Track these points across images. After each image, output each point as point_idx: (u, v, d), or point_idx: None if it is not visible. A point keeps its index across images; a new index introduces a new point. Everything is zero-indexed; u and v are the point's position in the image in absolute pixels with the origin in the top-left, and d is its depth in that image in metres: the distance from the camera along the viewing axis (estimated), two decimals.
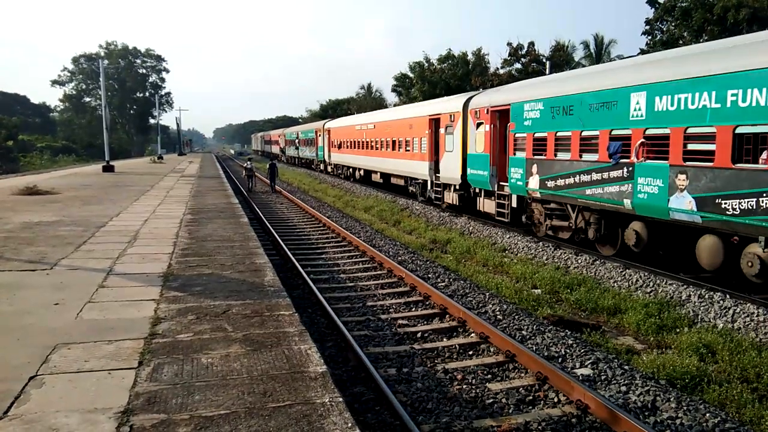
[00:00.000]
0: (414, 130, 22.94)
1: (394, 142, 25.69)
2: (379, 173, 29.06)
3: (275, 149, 74.02)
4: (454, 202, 19.48)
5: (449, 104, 20.00)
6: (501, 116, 16.12)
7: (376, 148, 28.43)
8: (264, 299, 6.84)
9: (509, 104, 15.33)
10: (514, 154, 15.15)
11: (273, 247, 14.11)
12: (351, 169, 35.20)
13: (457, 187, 19.08)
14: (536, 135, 14.08)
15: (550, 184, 13.50)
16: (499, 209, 16.53)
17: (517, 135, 15.00)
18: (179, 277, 7.87)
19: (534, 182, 14.16)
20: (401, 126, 24.67)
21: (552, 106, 13.42)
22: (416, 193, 23.72)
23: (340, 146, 36.78)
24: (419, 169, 22.41)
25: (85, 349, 5.13)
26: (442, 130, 19.98)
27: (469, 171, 17.90)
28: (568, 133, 12.82)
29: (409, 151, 23.68)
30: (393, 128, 25.93)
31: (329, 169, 41.33)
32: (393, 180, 27.04)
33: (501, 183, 16.27)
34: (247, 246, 10.28)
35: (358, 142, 31.95)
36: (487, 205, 17.26)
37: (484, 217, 18.00)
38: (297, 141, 55.30)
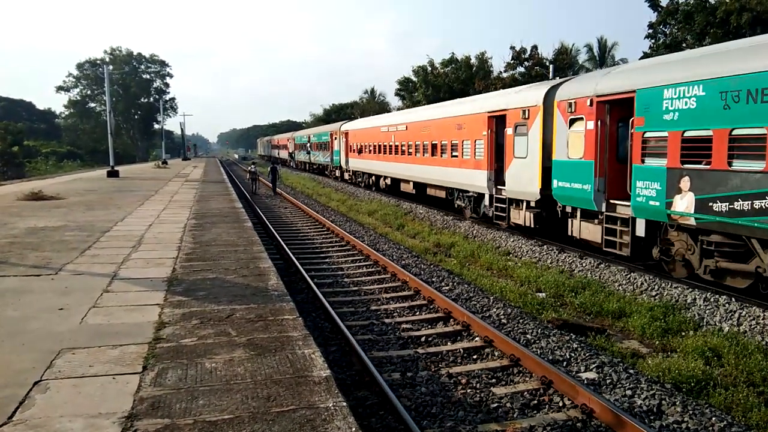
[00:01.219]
0: (465, 131, 18.60)
1: (434, 146, 21.39)
2: (411, 183, 24.71)
3: (283, 154, 69.69)
4: (527, 224, 15.05)
5: (522, 96, 15.55)
6: (613, 108, 12.13)
7: (409, 153, 24.23)
8: (268, 303, 6.84)
9: (633, 91, 11.11)
10: (643, 161, 10.88)
11: (277, 251, 14.13)
12: (374, 177, 30.88)
13: (533, 203, 14.78)
14: (689, 134, 9.90)
15: (719, 207, 9.30)
16: (608, 237, 12.01)
17: (648, 134, 10.80)
18: (183, 281, 7.88)
19: (684, 202, 9.93)
20: (445, 126, 20.30)
21: (724, 90, 9.23)
22: (465, 208, 19.38)
23: (360, 151, 32.59)
24: (472, 179, 18.04)
25: (90, 353, 5.14)
26: (508, 131, 15.68)
27: (555, 183, 13.60)
28: (761, 131, 8.62)
29: (456, 157, 19.26)
30: (433, 129, 21.59)
31: (346, 176, 37.20)
32: (430, 191, 22.67)
33: (612, 201, 11.98)
34: (251, 250, 10.29)
35: (384, 146, 27.71)
36: (588, 231, 12.75)
37: (579, 247, 13.50)
38: (308, 145, 51.05)
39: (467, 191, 18.92)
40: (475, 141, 17.86)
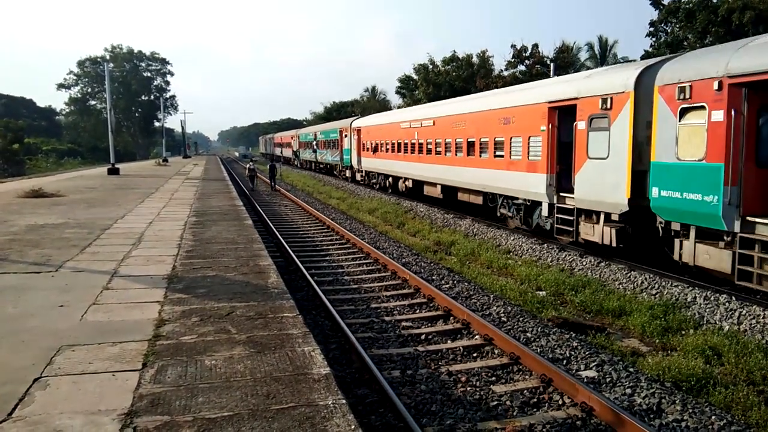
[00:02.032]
0: (514, 126, 15.55)
1: (470, 144, 18.33)
2: (438, 186, 21.76)
3: (287, 152, 67.02)
4: (605, 241, 11.98)
5: (600, 81, 12.43)
6: (754, 94, 9.15)
7: (437, 153, 21.27)
8: (268, 301, 6.84)
9: None
10: None
11: (277, 249, 14.13)
12: (390, 179, 28.11)
13: (615, 216, 11.78)
14: None
15: None
16: (743, 266, 9.18)
17: None
18: (183, 279, 7.89)
19: None
20: (487, 120, 17.22)
21: None
22: (511, 217, 16.50)
23: (375, 149, 29.52)
24: (524, 184, 15.07)
25: (90, 351, 5.14)
26: (580, 125, 12.57)
27: (655, 192, 10.73)
28: None
29: (501, 157, 16.27)
30: (469, 124, 18.49)
31: (358, 177, 34.24)
32: (462, 196, 19.72)
33: (750, 218, 9.15)
34: (251, 248, 10.29)
35: (405, 144, 24.87)
36: (708, 256, 9.89)
37: (692, 276, 10.55)
38: (315, 143, 47.80)
39: (515, 198, 15.88)
40: (528, 138, 14.74)
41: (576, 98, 12.98)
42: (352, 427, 3.81)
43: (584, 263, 12.27)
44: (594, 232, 12.41)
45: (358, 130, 33.35)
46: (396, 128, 26.34)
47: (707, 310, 9.02)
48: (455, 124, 19.71)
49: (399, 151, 25.90)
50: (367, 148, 31.30)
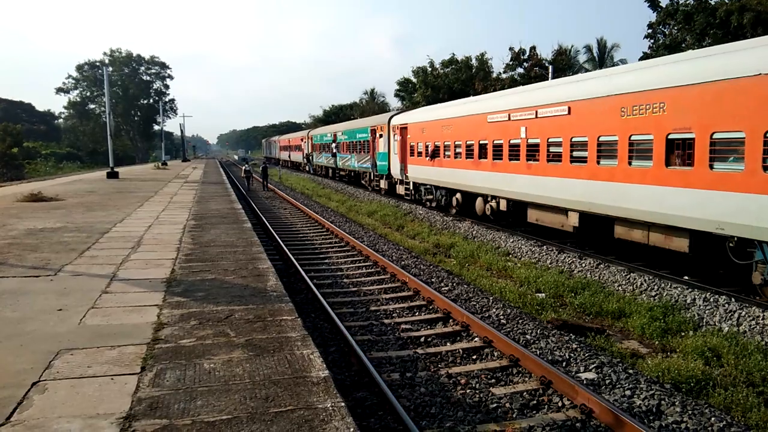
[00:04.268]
0: None
1: (672, 143, 10.43)
2: (573, 213, 13.39)
3: (296, 156, 59.08)
4: None
5: None
6: None
7: (574, 159, 13.22)
8: (266, 304, 6.84)
9: None
10: None
11: (276, 252, 14.12)
12: (459, 195, 20.01)
13: None
14: None
15: None
16: None
17: None
18: (182, 282, 7.88)
19: None
20: (737, 96, 9.05)
21: None
22: None
23: (434, 154, 21.23)
24: None
25: (88, 354, 5.13)
26: None
27: None
28: None
29: None
30: (673, 108, 10.28)
31: (401, 190, 25.98)
32: (631, 234, 11.70)
33: None
34: (250, 251, 10.28)
35: (497, 145, 16.72)
36: None
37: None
38: (334, 146, 39.41)
39: None
40: None
41: None
42: (351, 429, 3.81)
43: (584, 265, 12.27)
44: None
45: (403, 128, 25.06)
46: (479, 122, 17.89)
47: (707, 311, 9.03)
48: (627, 109, 11.47)
49: (483, 156, 17.69)
50: (419, 152, 23.12)
